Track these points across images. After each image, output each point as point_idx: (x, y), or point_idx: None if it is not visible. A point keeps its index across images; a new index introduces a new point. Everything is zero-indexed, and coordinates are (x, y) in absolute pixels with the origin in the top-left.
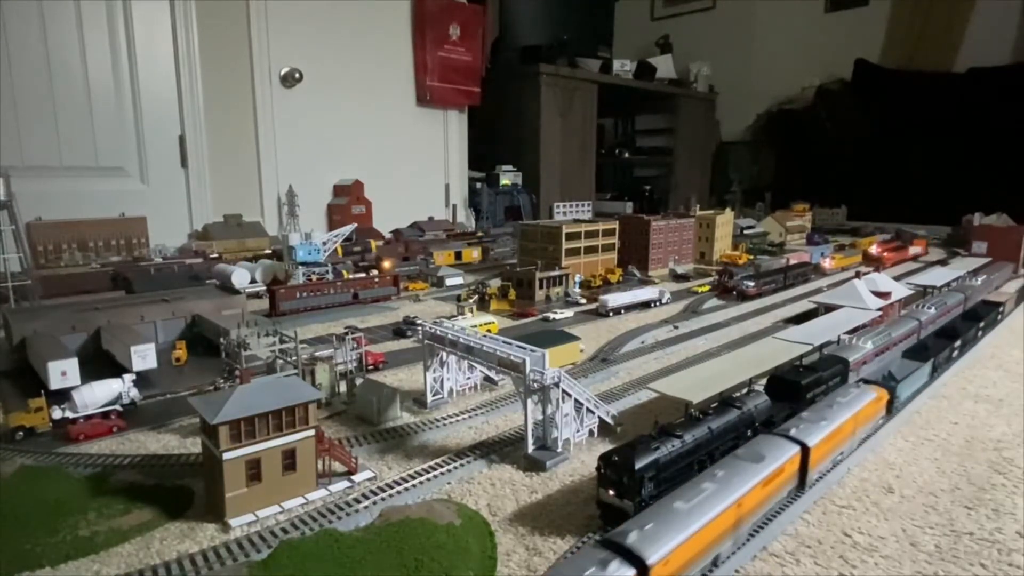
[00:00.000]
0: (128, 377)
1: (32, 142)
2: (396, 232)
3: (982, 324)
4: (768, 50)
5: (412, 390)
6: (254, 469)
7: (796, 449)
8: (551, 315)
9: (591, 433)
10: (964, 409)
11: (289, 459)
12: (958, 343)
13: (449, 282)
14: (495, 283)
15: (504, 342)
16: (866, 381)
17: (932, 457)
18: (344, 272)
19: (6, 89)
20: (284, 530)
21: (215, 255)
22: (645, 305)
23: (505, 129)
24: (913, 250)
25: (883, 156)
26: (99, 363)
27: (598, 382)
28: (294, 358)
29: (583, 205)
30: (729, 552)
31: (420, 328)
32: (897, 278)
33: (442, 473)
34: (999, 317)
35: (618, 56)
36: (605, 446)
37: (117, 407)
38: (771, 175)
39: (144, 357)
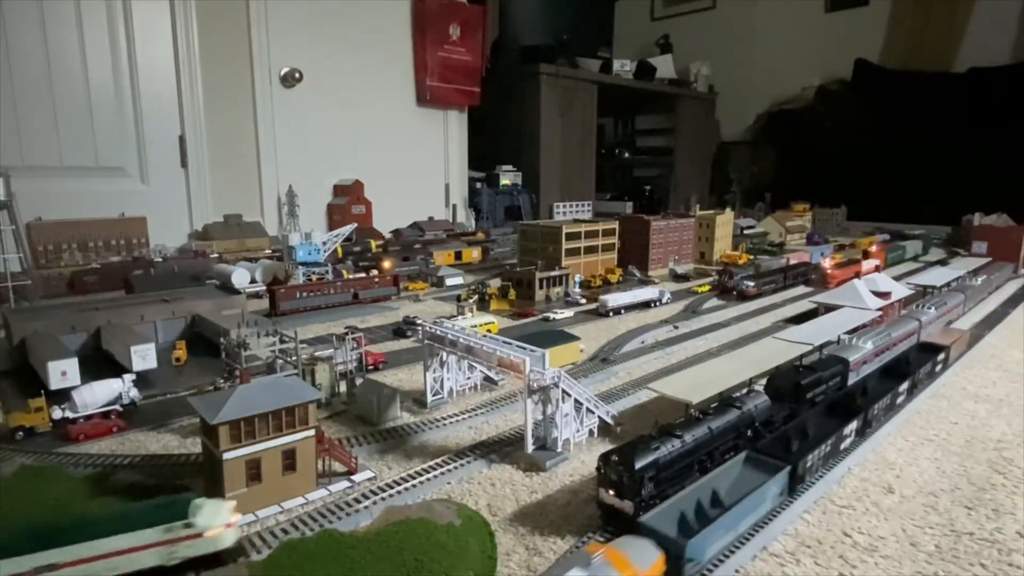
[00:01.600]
0: (128, 377)
1: (32, 142)
2: (396, 232)
3: (903, 388)
4: (768, 50)
5: (412, 390)
6: (254, 469)
7: None
8: (551, 315)
9: (591, 433)
10: (964, 409)
11: (289, 459)
12: (853, 426)
13: (449, 282)
14: (495, 283)
15: (504, 342)
16: (636, 526)
17: (932, 457)
18: (344, 272)
19: (6, 89)
20: (284, 530)
21: (215, 255)
22: (645, 305)
23: (505, 129)
24: (867, 264)
25: (883, 156)
26: (99, 363)
27: (598, 382)
28: (294, 358)
29: (583, 205)
30: None
31: (420, 328)
32: (897, 278)
33: (442, 473)
34: (938, 368)
35: (618, 56)
36: (605, 446)
37: (117, 407)
38: (771, 175)
39: (144, 357)
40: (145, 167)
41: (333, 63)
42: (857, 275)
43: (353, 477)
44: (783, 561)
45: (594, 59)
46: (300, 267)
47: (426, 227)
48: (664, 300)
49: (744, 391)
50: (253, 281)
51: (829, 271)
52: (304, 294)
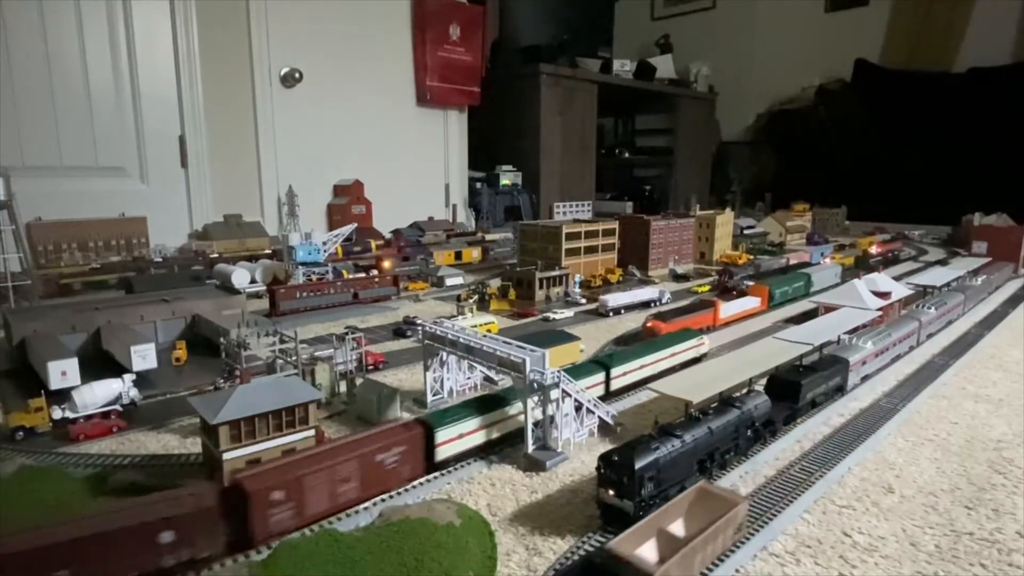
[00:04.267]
0: (128, 377)
1: (32, 142)
2: (396, 232)
3: None
4: (768, 50)
5: (412, 390)
6: None
7: None
8: (551, 315)
9: (591, 433)
10: (964, 409)
11: None
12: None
13: (449, 282)
14: (495, 283)
15: (504, 342)
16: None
17: (932, 457)
18: (344, 272)
19: (6, 89)
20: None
21: (215, 255)
22: (645, 305)
23: (505, 129)
24: (730, 308)
25: (883, 156)
26: (99, 363)
27: None
28: (294, 358)
29: (583, 205)
30: None
31: (420, 328)
32: (897, 278)
33: (442, 473)
34: None
35: (618, 56)
36: (605, 446)
37: (117, 407)
38: (771, 175)
39: (144, 357)
40: (145, 167)
41: (333, 63)
42: (710, 327)
43: None
44: (783, 561)
45: (594, 59)
46: (300, 267)
47: (426, 227)
48: (664, 300)
49: (744, 391)
50: (253, 281)
51: (650, 324)
52: (304, 294)
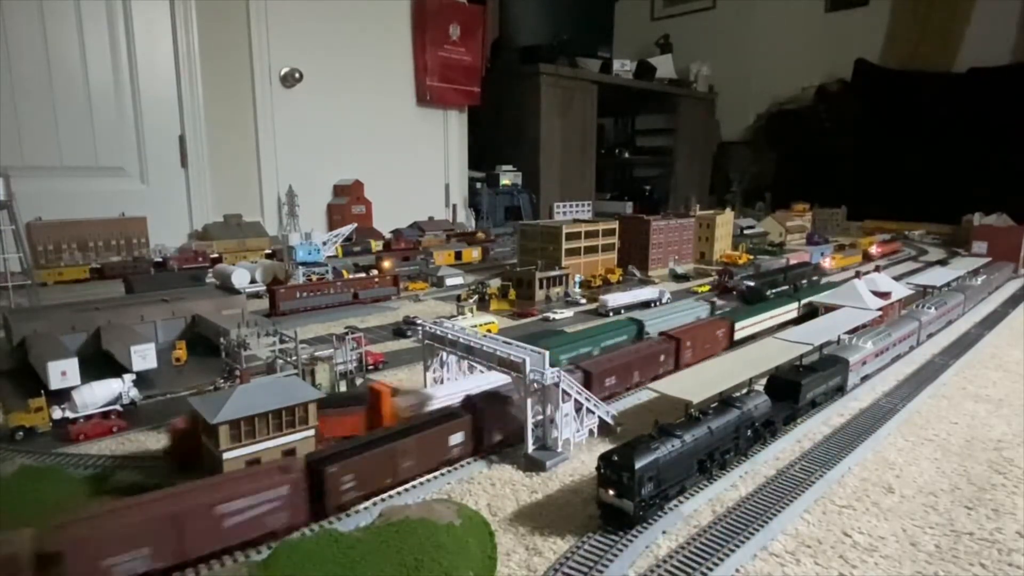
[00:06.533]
0: (128, 377)
1: (32, 142)
2: (396, 232)
3: None
4: (768, 50)
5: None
6: None
7: None
8: (551, 315)
9: (591, 433)
10: (964, 409)
11: None
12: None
13: (449, 282)
14: (495, 283)
15: (504, 342)
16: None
17: (932, 457)
18: (344, 272)
19: (6, 89)
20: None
21: (215, 255)
22: (645, 305)
23: (505, 129)
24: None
25: (883, 156)
26: (99, 363)
27: None
28: (294, 358)
29: (583, 205)
30: None
31: (420, 328)
32: (897, 278)
33: (442, 473)
34: None
35: (618, 56)
36: (605, 446)
37: (117, 407)
38: (771, 175)
39: (144, 357)
40: (145, 167)
41: (333, 63)
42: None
43: None
44: (783, 561)
45: (594, 59)
46: (300, 267)
47: (426, 227)
48: (664, 300)
49: (744, 391)
50: (253, 281)
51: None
52: (304, 294)
